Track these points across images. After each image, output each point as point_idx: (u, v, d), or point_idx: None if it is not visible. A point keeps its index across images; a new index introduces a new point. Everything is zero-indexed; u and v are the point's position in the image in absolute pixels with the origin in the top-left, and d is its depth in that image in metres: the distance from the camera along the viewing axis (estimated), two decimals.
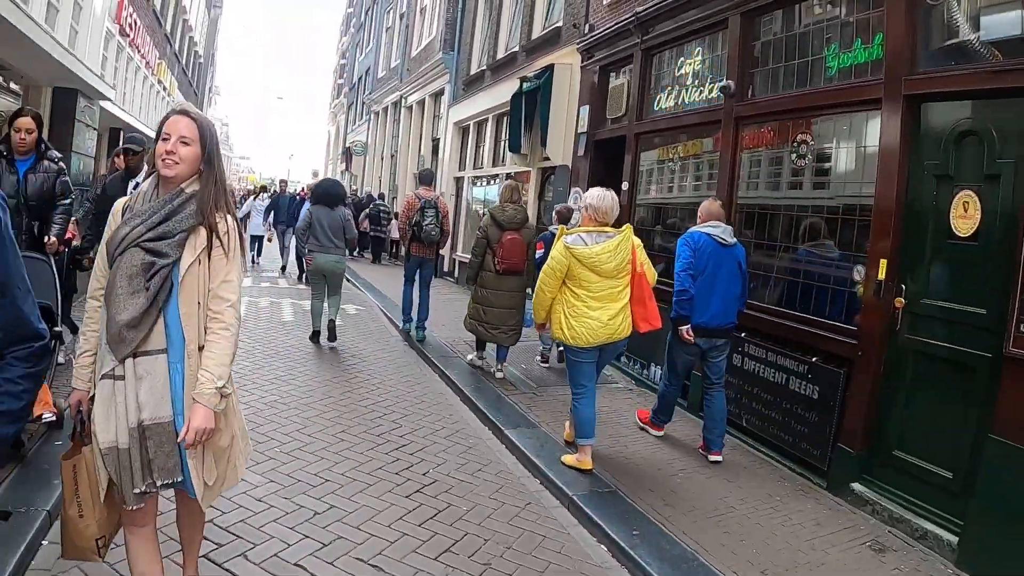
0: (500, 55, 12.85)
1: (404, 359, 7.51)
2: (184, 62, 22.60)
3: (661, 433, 5.32)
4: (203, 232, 2.22)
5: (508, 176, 11.85)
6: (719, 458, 4.86)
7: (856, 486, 4.35)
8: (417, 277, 8.02)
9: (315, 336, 7.61)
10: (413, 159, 18.47)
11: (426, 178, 8.38)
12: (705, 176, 6.64)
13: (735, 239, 4.94)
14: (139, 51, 15.66)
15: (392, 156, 21.30)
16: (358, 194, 20.33)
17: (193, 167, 2.24)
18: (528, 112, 10.18)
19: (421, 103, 18.27)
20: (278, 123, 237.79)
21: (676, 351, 5.01)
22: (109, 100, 12.30)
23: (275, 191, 15.44)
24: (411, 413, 5.54)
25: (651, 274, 4.65)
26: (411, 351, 7.93)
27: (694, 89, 6.76)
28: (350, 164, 27.51)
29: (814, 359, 4.77)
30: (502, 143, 12.43)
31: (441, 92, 16.60)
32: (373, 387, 6.19)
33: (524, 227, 6.55)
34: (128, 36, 14.67)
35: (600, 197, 4.45)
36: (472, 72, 14.29)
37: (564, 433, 5.03)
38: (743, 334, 5.38)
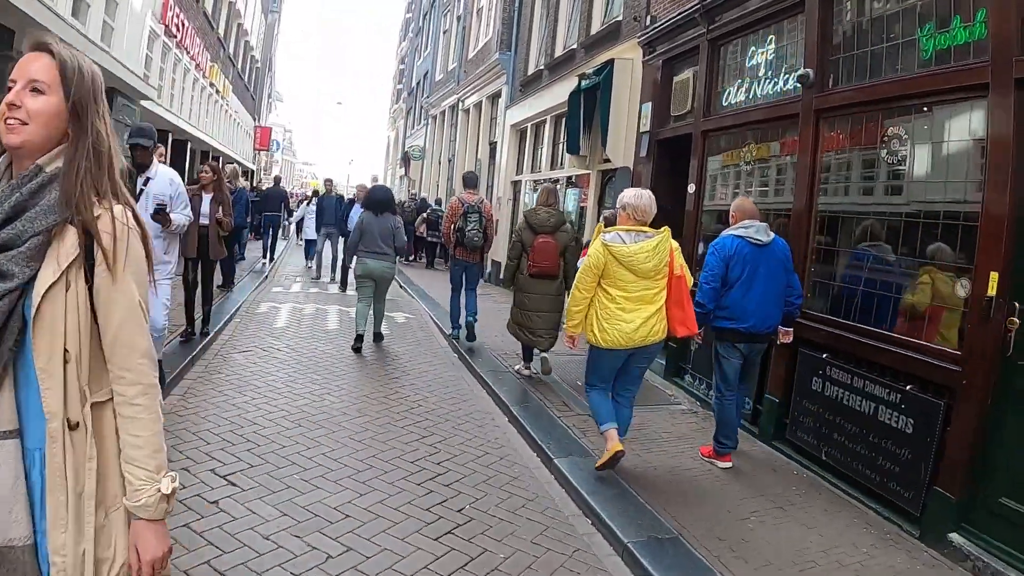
0: (558, 53, 12.37)
1: (450, 373, 7.11)
2: (240, 66, 22.92)
3: (728, 464, 4.80)
4: (72, 235, 1.40)
5: (569, 181, 11.37)
6: (729, 463, 4.77)
7: (955, 537, 3.71)
8: (463, 281, 7.98)
9: (358, 341, 7.42)
10: (470, 163, 18.14)
11: (470, 182, 8.31)
12: (781, 177, 6.00)
13: (772, 235, 4.69)
14: (188, 52, 15.38)
15: (449, 160, 21.06)
16: (416, 199, 20.17)
17: (52, 130, 1.43)
18: (587, 111, 9.65)
19: (478, 106, 17.93)
20: (337, 128, 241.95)
21: (722, 358, 4.76)
22: (151, 100, 12.14)
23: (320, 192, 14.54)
24: (452, 436, 5.12)
25: (689, 276, 4.51)
26: (459, 363, 7.56)
27: (767, 81, 6.12)
28: (408, 169, 27.49)
29: (908, 387, 4.12)
30: (560, 145, 11.94)
31: (498, 94, 16.22)
32: (413, 405, 5.79)
33: (559, 231, 6.51)
34: (175, 37, 14.39)
35: (637, 195, 4.39)
36: (529, 72, 13.85)
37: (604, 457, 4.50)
38: (824, 355, 4.77)
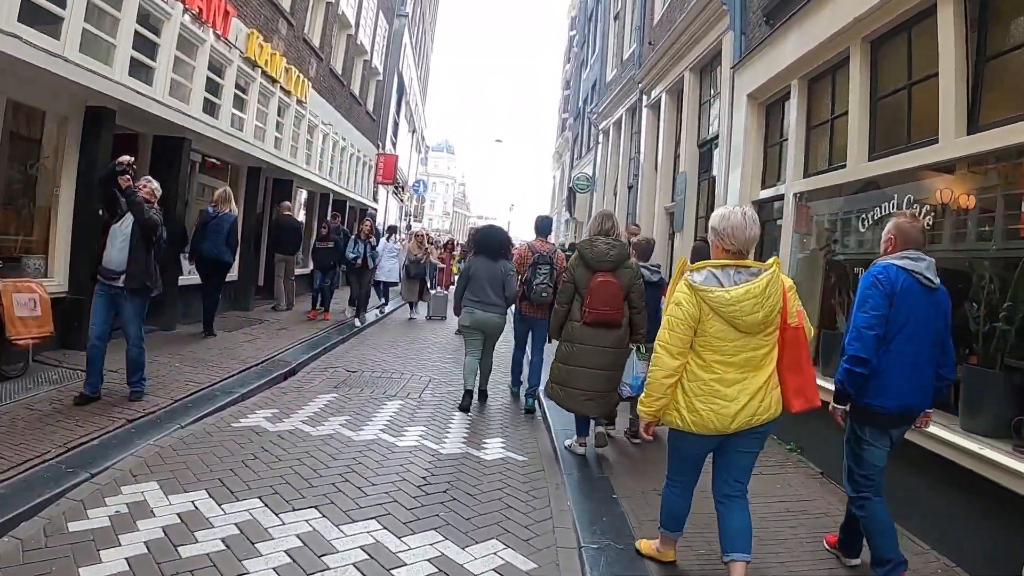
0: None
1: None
2: (341, 69, 17.95)
3: (857, 562, 3.65)
4: None
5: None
6: None
7: None
8: (529, 340, 7.20)
9: (467, 398, 6.88)
10: (663, 183, 11.28)
11: (543, 228, 7.30)
12: None
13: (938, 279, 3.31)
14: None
15: (629, 188, 14.35)
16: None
17: None
18: None
19: (675, 90, 11.17)
20: (498, 172, 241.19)
21: (862, 445, 3.42)
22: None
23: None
24: None
25: (809, 328, 3.25)
26: (531, 437, 5.93)
27: None
28: (574, 207, 20.94)
29: None
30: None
31: (714, 56, 9.40)
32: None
33: (622, 267, 5.15)
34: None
35: (726, 216, 3.14)
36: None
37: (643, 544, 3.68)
38: None
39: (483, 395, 7.26)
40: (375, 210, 22.11)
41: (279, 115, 12.31)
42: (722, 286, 3.01)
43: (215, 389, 6.55)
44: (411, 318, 13.84)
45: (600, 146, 18.02)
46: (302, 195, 15.65)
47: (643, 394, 3.25)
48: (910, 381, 3.31)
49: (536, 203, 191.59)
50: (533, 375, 7.13)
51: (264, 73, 11.20)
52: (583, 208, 19.90)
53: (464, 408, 6.76)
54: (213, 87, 9.77)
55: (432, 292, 14.56)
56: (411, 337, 11.52)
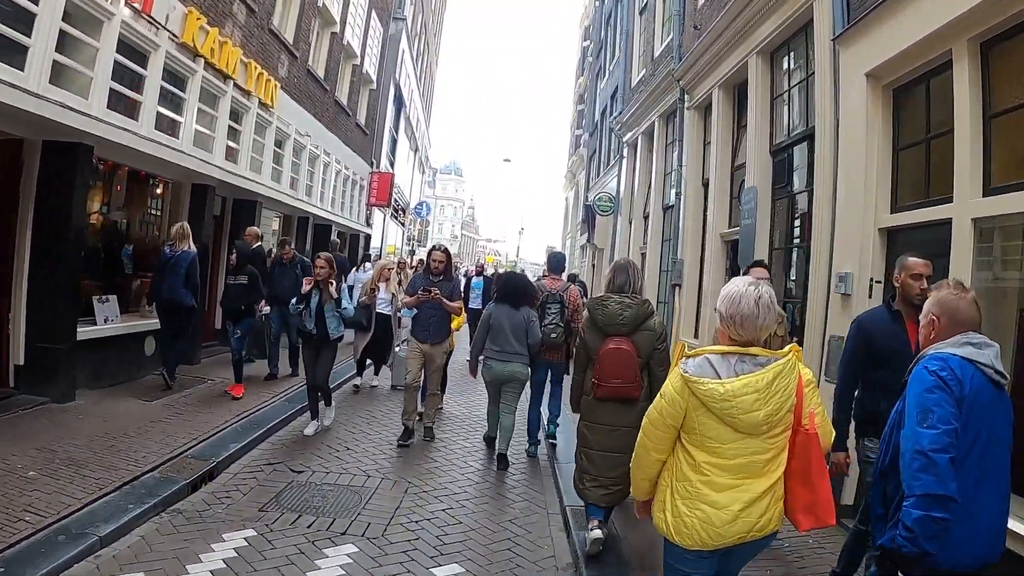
0: None
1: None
2: (322, 72, 15.59)
3: None
4: None
5: None
6: None
7: None
8: (544, 384, 7.12)
9: (490, 443, 6.92)
10: (718, 202, 8.81)
11: (555, 265, 7.40)
12: None
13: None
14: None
15: (665, 209, 11.90)
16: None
17: None
18: None
19: (732, 83, 8.75)
20: (507, 193, 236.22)
21: None
22: None
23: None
24: None
25: (828, 431, 2.69)
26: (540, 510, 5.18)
27: None
28: (592, 232, 18.45)
29: None
30: None
31: (796, 31, 6.99)
32: None
33: (641, 329, 4.34)
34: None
35: (735, 301, 2.53)
36: None
37: None
38: None
39: (503, 460, 6.53)
40: (362, 235, 19.64)
41: (235, 120, 9.93)
42: (718, 377, 2.46)
43: (64, 526, 4.11)
44: (372, 386, 9.69)
45: (625, 161, 15.57)
46: (274, 220, 13.24)
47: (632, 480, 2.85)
48: (990, 520, 2.47)
49: (547, 225, 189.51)
50: (553, 406, 7.22)
51: (210, 66, 8.83)
52: (604, 232, 17.43)
53: (491, 446, 6.87)
54: (130, 79, 7.40)
55: (397, 349, 9.39)
56: (385, 411, 8.41)
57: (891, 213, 5.35)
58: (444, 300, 6.84)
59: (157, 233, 9.29)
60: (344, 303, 6.89)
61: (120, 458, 5.41)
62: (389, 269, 9.39)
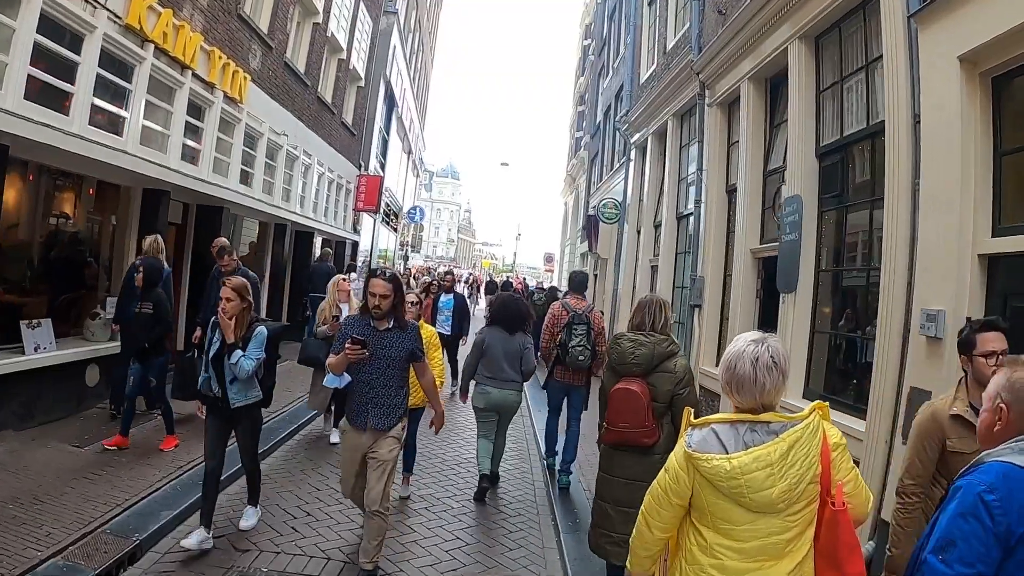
0: None
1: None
2: (302, 64, 14.42)
3: None
4: None
5: None
6: None
7: None
8: (565, 407, 6.71)
9: (484, 482, 6.21)
10: (749, 213, 7.66)
11: (578, 284, 6.96)
12: None
13: None
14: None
15: (679, 218, 10.75)
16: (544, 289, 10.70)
17: None
18: None
19: (763, 76, 7.62)
20: (504, 197, 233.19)
21: None
22: None
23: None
24: None
25: (864, 500, 2.27)
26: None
27: None
28: (594, 240, 17.30)
29: None
30: None
31: (849, 12, 5.92)
32: None
33: (658, 371, 3.94)
34: None
35: (731, 364, 2.24)
36: None
37: None
38: None
39: (495, 478, 6.54)
40: (348, 242, 18.41)
41: (195, 116, 8.74)
42: (725, 451, 2.14)
43: None
44: (331, 439, 7.59)
45: (632, 164, 14.40)
46: (247, 228, 12.05)
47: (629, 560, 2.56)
48: None
49: (544, 230, 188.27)
50: (569, 449, 6.65)
51: (162, 53, 7.65)
52: (607, 242, 16.27)
53: (479, 498, 6.13)
54: (59, 68, 6.23)
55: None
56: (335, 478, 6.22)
57: (992, 237, 4.20)
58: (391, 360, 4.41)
59: (104, 243, 8.11)
60: (249, 351, 4.56)
61: (19, 535, 4.25)
62: (346, 281, 7.43)
